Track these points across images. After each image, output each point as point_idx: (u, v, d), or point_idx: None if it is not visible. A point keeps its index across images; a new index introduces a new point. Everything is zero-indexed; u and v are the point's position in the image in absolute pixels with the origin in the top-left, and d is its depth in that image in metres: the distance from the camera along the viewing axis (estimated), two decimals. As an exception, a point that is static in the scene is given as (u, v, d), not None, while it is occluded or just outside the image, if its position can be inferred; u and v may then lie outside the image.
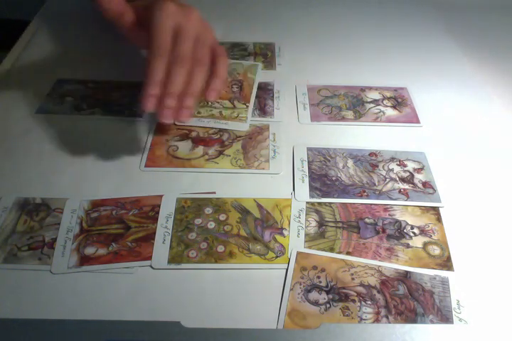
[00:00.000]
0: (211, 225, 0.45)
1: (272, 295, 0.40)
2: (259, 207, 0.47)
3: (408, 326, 0.34)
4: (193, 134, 0.55)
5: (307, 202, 0.48)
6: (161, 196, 0.47)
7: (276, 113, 0.59)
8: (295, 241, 0.44)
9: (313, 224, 0.46)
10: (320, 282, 0.41)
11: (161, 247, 0.43)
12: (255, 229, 0.45)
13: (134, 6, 0.54)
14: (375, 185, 0.50)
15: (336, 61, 0.68)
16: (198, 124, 0.56)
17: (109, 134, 0.55)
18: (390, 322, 0.38)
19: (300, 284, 0.41)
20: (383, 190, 0.49)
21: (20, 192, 0.48)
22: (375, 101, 0.61)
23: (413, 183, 0.50)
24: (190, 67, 0.47)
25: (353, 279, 0.41)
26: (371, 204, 0.48)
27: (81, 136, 0.55)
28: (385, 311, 0.39)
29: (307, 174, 0.50)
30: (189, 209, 0.46)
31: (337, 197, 0.48)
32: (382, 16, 0.80)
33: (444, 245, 0.44)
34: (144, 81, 0.46)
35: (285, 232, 0.45)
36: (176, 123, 0.56)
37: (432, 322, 0.38)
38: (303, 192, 0.48)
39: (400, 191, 0.49)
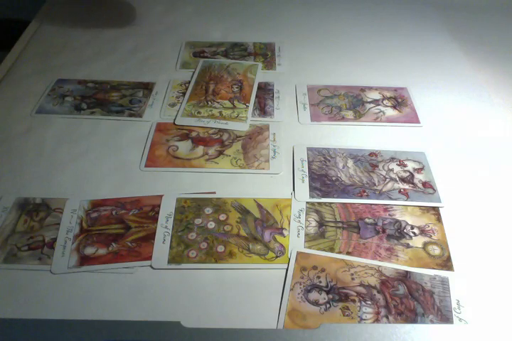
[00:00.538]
0: (211, 225, 0.45)
1: (272, 295, 0.40)
2: (259, 207, 0.47)
3: (408, 326, 0.34)
4: (193, 134, 0.55)
5: (307, 202, 0.48)
6: (161, 196, 0.47)
7: (276, 113, 0.59)
8: (295, 241, 0.44)
9: (313, 224, 0.46)
10: (320, 282, 0.41)
11: (161, 247, 0.43)
12: (255, 229, 0.45)
13: None
14: (375, 185, 0.50)
15: (336, 61, 0.68)
16: (198, 124, 0.56)
17: (109, 134, 0.55)
18: (390, 322, 0.38)
19: (300, 284, 0.41)
20: (383, 190, 0.49)
21: (20, 192, 0.48)
22: (375, 101, 0.61)
23: (413, 183, 0.50)
24: None
25: (353, 279, 0.41)
26: (371, 204, 0.48)
27: (81, 136, 0.55)
28: (385, 311, 0.39)
29: (307, 174, 0.50)
30: (189, 209, 0.46)
31: (337, 197, 0.48)
32: (383, 16, 0.80)
33: (444, 245, 0.44)
34: None
35: (285, 232, 0.45)
36: (176, 123, 0.56)
37: (431, 322, 0.38)
38: (303, 192, 0.48)
39: (400, 191, 0.49)
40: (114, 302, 0.40)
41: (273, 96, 0.61)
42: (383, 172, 0.51)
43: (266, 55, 0.69)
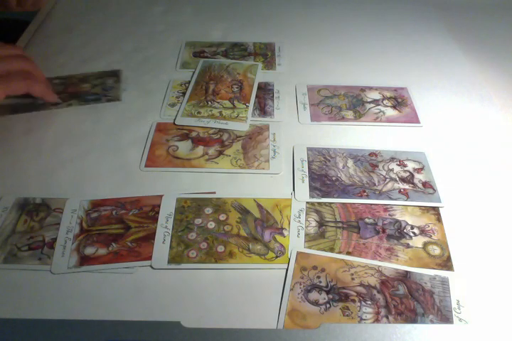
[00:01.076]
0: (211, 225, 0.45)
1: (272, 295, 0.40)
2: (259, 207, 0.47)
3: (408, 326, 0.34)
4: (193, 134, 0.55)
5: (307, 202, 0.48)
6: (161, 196, 0.47)
7: (276, 113, 0.59)
8: (295, 241, 0.44)
9: (313, 224, 0.46)
10: (320, 282, 0.41)
11: (161, 247, 0.43)
12: (255, 229, 0.45)
13: None
14: (375, 185, 0.50)
15: (336, 61, 0.68)
16: (198, 124, 0.56)
17: (109, 134, 0.55)
18: (390, 322, 0.38)
19: (300, 284, 0.41)
20: (383, 190, 0.49)
21: (20, 192, 0.48)
22: (375, 101, 0.61)
23: (413, 183, 0.50)
24: None
25: (353, 279, 0.41)
26: (371, 204, 0.48)
27: (81, 136, 0.55)
28: (385, 311, 0.39)
29: (307, 174, 0.50)
30: (189, 209, 0.46)
31: (337, 197, 0.48)
32: (382, 16, 0.80)
33: (444, 245, 0.44)
34: None
35: (285, 232, 0.45)
36: (176, 123, 0.56)
37: (431, 322, 0.38)
38: (303, 192, 0.48)
39: (400, 191, 0.49)
40: (114, 302, 0.40)
41: (273, 96, 0.61)
42: (383, 172, 0.51)
43: (266, 55, 0.69)
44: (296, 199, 0.48)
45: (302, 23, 0.77)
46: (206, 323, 0.38)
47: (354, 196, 0.48)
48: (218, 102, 0.60)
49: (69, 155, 0.52)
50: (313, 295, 0.40)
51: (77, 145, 0.54)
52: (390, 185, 0.50)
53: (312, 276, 0.41)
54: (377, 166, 0.52)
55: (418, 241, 0.44)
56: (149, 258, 0.42)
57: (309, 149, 0.54)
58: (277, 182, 0.50)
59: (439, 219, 0.46)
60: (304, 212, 0.47)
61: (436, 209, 0.47)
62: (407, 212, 0.47)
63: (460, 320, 0.39)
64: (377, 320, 0.38)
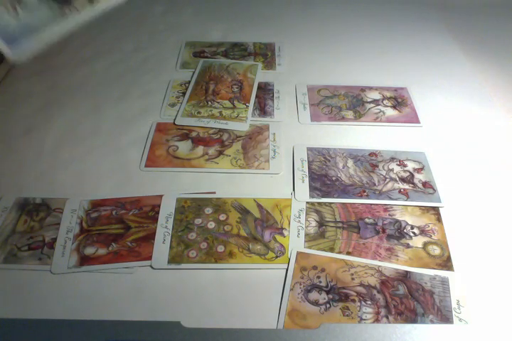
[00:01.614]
0: (211, 225, 0.45)
1: (272, 295, 0.40)
2: (259, 207, 0.47)
3: (408, 326, 0.34)
4: (193, 134, 0.55)
5: (307, 202, 0.48)
6: (161, 196, 0.47)
7: (276, 113, 0.59)
8: (295, 241, 0.44)
9: (313, 224, 0.46)
10: (320, 282, 0.41)
11: (161, 247, 0.43)
12: (255, 229, 0.45)
13: None
14: (375, 185, 0.50)
15: (336, 61, 0.68)
16: (198, 124, 0.56)
17: (109, 134, 0.55)
18: (390, 322, 0.38)
19: (300, 284, 0.41)
20: (383, 190, 0.49)
21: (20, 192, 0.48)
22: (375, 101, 0.61)
23: (413, 183, 0.50)
24: None
25: (353, 279, 0.41)
26: (371, 204, 0.48)
27: (81, 136, 0.55)
28: (385, 311, 0.39)
29: (307, 174, 0.50)
30: (189, 209, 0.46)
31: (337, 197, 0.48)
32: (383, 16, 0.80)
33: (444, 245, 0.44)
34: None
35: (285, 232, 0.45)
36: (176, 123, 0.56)
37: (432, 322, 0.38)
38: (303, 192, 0.48)
39: (400, 191, 0.49)
40: (114, 302, 0.40)
41: (273, 96, 0.61)
42: (383, 172, 0.51)
43: (266, 55, 0.69)
44: (296, 199, 0.48)
45: (302, 23, 0.77)
46: (206, 323, 0.38)
47: (354, 196, 0.48)
48: (218, 102, 0.60)
49: (69, 156, 0.52)
50: (313, 295, 0.40)
51: (77, 145, 0.54)
52: (390, 185, 0.50)
53: (312, 276, 0.41)
54: (377, 166, 0.52)
55: (418, 241, 0.44)
56: (149, 258, 0.42)
57: (309, 149, 0.54)
58: (277, 182, 0.50)
59: (439, 219, 0.46)
60: (304, 212, 0.47)
61: (436, 209, 0.47)
62: (407, 212, 0.47)
63: (460, 320, 0.39)
64: (377, 320, 0.38)
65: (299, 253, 0.43)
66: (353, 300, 0.40)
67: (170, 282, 0.41)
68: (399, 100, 0.61)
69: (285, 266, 0.42)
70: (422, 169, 0.52)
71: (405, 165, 0.52)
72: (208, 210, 0.46)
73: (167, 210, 0.46)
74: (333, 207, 0.47)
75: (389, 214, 0.47)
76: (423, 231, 0.45)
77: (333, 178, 0.50)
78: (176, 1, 0.82)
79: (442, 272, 0.42)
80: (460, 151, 0.54)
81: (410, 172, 0.51)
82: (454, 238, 0.45)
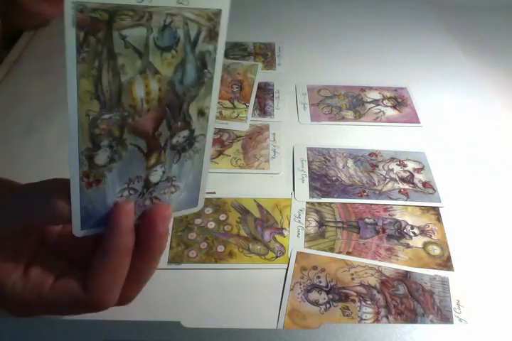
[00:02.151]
0: (211, 225, 0.45)
1: (272, 295, 0.40)
2: (259, 207, 0.47)
3: (408, 326, 0.34)
4: (193, 134, 0.55)
5: (307, 202, 0.48)
6: (161, 196, 0.47)
7: (276, 113, 0.59)
8: (295, 241, 0.44)
9: (313, 224, 0.46)
10: (320, 282, 0.41)
11: (161, 247, 0.43)
12: (255, 229, 0.45)
13: None
14: (375, 185, 0.50)
15: (335, 61, 0.68)
16: (198, 124, 0.56)
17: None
18: (390, 322, 0.38)
19: (300, 284, 0.41)
20: (383, 190, 0.49)
21: (20, 192, 0.48)
22: (375, 101, 0.61)
23: (413, 183, 0.50)
24: None
25: (353, 279, 0.41)
26: (371, 204, 0.48)
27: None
28: (385, 311, 0.39)
29: (307, 174, 0.50)
30: (189, 209, 0.46)
31: (337, 197, 0.48)
32: (382, 16, 0.80)
33: (444, 245, 0.44)
34: None
35: (285, 232, 0.45)
36: None
37: (432, 322, 0.38)
38: (303, 192, 0.48)
39: (400, 191, 0.49)
40: (114, 303, 0.39)
41: (273, 96, 0.61)
42: (383, 172, 0.51)
43: (266, 55, 0.69)
44: (296, 199, 0.48)
45: (302, 23, 0.77)
46: (206, 323, 0.38)
47: (354, 196, 0.48)
48: (218, 102, 0.60)
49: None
50: (313, 295, 0.40)
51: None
52: (390, 185, 0.50)
53: (312, 276, 0.41)
54: (377, 166, 0.52)
55: (418, 241, 0.44)
56: (149, 258, 0.42)
57: (309, 149, 0.53)
58: (277, 182, 0.50)
59: (439, 219, 0.46)
60: (304, 212, 0.47)
61: (436, 209, 0.47)
62: (407, 212, 0.47)
63: (460, 320, 0.39)
64: (377, 320, 0.38)
65: (299, 253, 0.43)
66: (353, 300, 0.40)
67: (170, 282, 0.41)
68: (399, 100, 0.61)
69: (285, 266, 0.42)
70: (422, 169, 0.51)
71: (405, 165, 0.52)
72: (208, 210, 0.46)
73: (167, 210, 0.46)
74: (333, 207, 0.47)
75: (389, 214, 0.47)
76: (423, 231, 0.45)
77: (333, 178, 0.50)
78: (176, 1, 0.82)
79: (442, 272, 0.42)
80: (460, 151, 0.54)
81: (410, 172, 0.51)
82: (454, 238, 0.45)
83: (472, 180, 0.51)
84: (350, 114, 0.59)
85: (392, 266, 0.42)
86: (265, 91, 0.62)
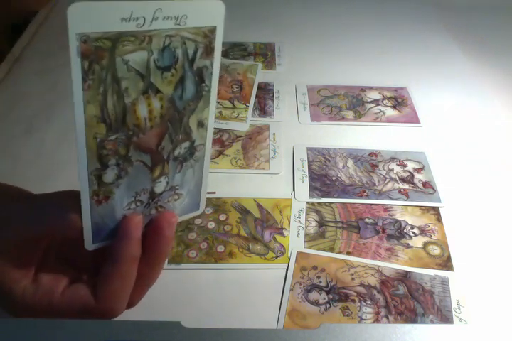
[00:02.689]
0: (211, 225, 0.45)
1: (272, 295, 0.40)
2: (259, 207, 0.47)
3: (408, 326, 0.34)
4: (193, 134, 0.55)
5: (307, 202, 0.48)
6: (161, 196, 0.47)
7: (276, 113, 0.59)
8: (295, 241, 0.44)
9: (313, 224, 0.46)
10: (320, 282, 0.41)
11: (161, 247, 0.43)
12: (255, 229, 0.45)
13: None
14: (375, 185, 0.50)
15: (335, 61, 0.68)
16: (198, 124, 0.56)
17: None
18: (390, 322, 0.38)
19: (300, 284, 0.41)
20: (383, 190, 0.49)
21: (20, 192, 0.48)
22: (375, 101, 0.61)
23: (413, 183, 0.50)
24: None
25: (353, 279, 0.41)
26: (371, 204, 0.48)
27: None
28: (385, 311, 0.39)
29: (307, 174, 0.50)
30: (189, 209, 0.46)
31: (337, 197, 0.48)
32: (382, 16, 0.80)
33: (444, 245, 0.44)
34: None
35: (285, 232, 0.45)
36: None
37: (432, 322, 0.38)
38: (303, 192, 0.48)
39: (400, 191, 0.49)
40: (114, 303, 0.39)
41: (273, 96, 0.61)
42: (383, 172, 0.51)
43: (266, 55, 0.69)
44: (296, 199, 0.48)
45: (302, 23, 0.77)
46: (206, 323, 0.38)
47: (354, 196, 0.48)
48: (218, 102, 0.60)
49: (69, 156, 0.52)
50: (313, 295, 0.40)
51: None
52: (390, 185, 0.50)
53: (312, 276, 0.41)
54: (377, 166, 0.52)
55: (418, 241, 0.44)
56: (149, 258, 0.42)
57: (309, 149, 0.54)
58: (277, 182, 0.50)
59: (439, 219, 0.46)
60: (304, 212, 0.47)
61: (436, 209, 0.47)
62: (407, 212, 0.47)
63: (460, 320, 0.39)
64: (377, 320, 0.38)
65: (299, 253, 0.43)
66: (353, 300, 0.40)
67: (170, 282, 0.41)
68: (399, 100, 0.61)
69: (285, 266, 0.42)
70: (422, 169, 0.52)
71: (405, 165, 0.52)
72: (208, 210, 0.46)
73: (167, 210, 0.46)
74: (333, 207, 0.47)
75: (389, 214, 0.47)
76: (423, 231, 0.45)
77: (333, 178, 0.50)
78: (176, 1, 0.82)
79: (442, 272, 0.42)
80: (460, 151, 0.54)
81: (410, 172, 0.51)
82: (454, 238, 0.45)
83: (472, 180, 0.51)
84: (350, 114, 0.59)
85: (392, 266, 0.42)
86: (265, 92, 0.62)
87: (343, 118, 0.58)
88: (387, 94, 0.62)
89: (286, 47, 0.71)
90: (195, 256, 0.43)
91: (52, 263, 0.33)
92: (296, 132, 0.56)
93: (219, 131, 0.56)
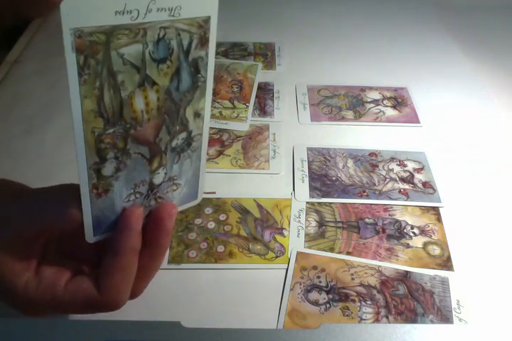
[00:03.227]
0: (211, 225, 0.45)
1: (272, 295, 0.40)
2: (259, 207, 0.47)
3: (408, 326, 0.34)
4: (193, 134, 0.55)
5: (307, 202, 0.48)
6: (161, 196, 0.47)
7: (276, 113, 0.59)
8: (295, 241, 0.44)
9: (313, 224, 0.46)
10: (320, 282, 0.41)
11: (161, 247, 0.43)
12: (255, 229, 0.45)
13: None
14: (375, 185, 0.50)
15: (336, 61, 0.68)
16: (198, 124, 0.56)
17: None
18: (390, 322, 0.38)
19: (300, 284, 0.41)
20: (383, 190, 0.49)
21: (20, 192, 0.48)
22: (375, 101, 0.61)
23: (413, 183, 0.50)
24: None
25: (353, 279, 0.41)
26: (371, 204, 0.48)
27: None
28: (385, 311, 0.39)
29: (307, 174, 0.50)
30: (189, 209, 0.46)
31: (337, 197, 0.48)
32: (382, 16, 0.80)
33: (444, 245, 0.44)
34: None
35: (285, 232, 0.45)
36: None
37: (432, 322, 0.38)
38: (303, 192, 0.48)
39: (400, 191, 0.49)
40: (114, 303, 0.39)
41: (273, 96, 0.61)
42: (383, 172, 0.51)
43: (266, 55, 0.69)
44: (296, 199, 0.48)
45: (302, 23, 0.77)
46: (206, 323, 0.38)
47: (354, 196, 0.48)
48: (218, 102, 0.60)
49: (69, 156, 0.52)
50: (313, 295, 0.40)
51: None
52: (390, 185, 0.50)
53: (312, 276, 0.41)
54: (377, 166, 0.52)
55: (418, 241, 0.44)
56: (149, 258, 0.42)
57: (309, 149, 0.54)
58: (277, 182, 0.50)
59: (439, 219, 0.46)
60: (304, 212, 0.47)
61: (436, 209, 0.47)
62: (407, 212, 0.47)
63: (460, 320, 0.39)
64: (377, 320, 0.38)
65: (299, 253, 0.43)
66: (353, 300, 0.40)
67: (170, 282, 0.41)
68: (399, 100, 0.61)
69: (285, 266, 0.42)
70: (422, 169, 0.52)
71: (405, 165, 0.52)
72: (208, 210, 0.46)
73: (167, 210, 0.46)
74: (333, 207, 0.47)
75: (389, 214, 0.47)
76: (423, 231, 0.45)
77: (333, 178, 0.50)
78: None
79: (442, 272, 0.42)
80: (460, 151, 0.54)
81: (410, 172, 0.51)
82: (454, 238, 0.45)
83: (472, 180, 0.51)
84: (350, 114, 0.59)
85: (392, 266, 0.42)
86: (265, 92, 0.62)
87: (343, 118, 0.58)
88: (387, 94, 0.62)
89: (286, 47, 0.71)
90: (195, 256, 0.43)
91: (53, 257, 0.33)
92: (296, 132, 0.56)
93: (219, 131, 0.56)
